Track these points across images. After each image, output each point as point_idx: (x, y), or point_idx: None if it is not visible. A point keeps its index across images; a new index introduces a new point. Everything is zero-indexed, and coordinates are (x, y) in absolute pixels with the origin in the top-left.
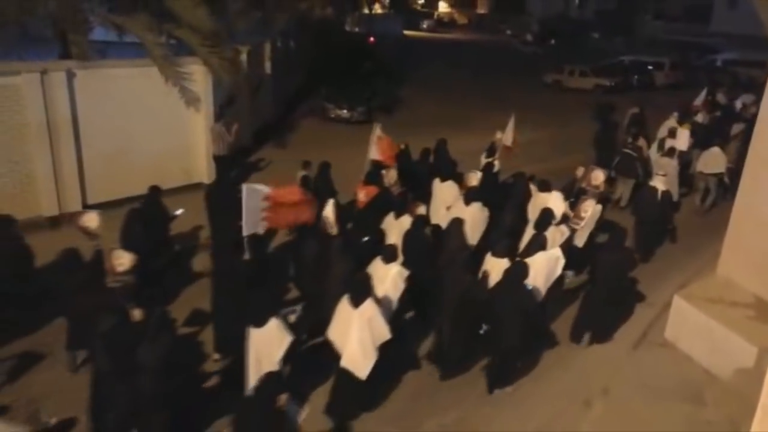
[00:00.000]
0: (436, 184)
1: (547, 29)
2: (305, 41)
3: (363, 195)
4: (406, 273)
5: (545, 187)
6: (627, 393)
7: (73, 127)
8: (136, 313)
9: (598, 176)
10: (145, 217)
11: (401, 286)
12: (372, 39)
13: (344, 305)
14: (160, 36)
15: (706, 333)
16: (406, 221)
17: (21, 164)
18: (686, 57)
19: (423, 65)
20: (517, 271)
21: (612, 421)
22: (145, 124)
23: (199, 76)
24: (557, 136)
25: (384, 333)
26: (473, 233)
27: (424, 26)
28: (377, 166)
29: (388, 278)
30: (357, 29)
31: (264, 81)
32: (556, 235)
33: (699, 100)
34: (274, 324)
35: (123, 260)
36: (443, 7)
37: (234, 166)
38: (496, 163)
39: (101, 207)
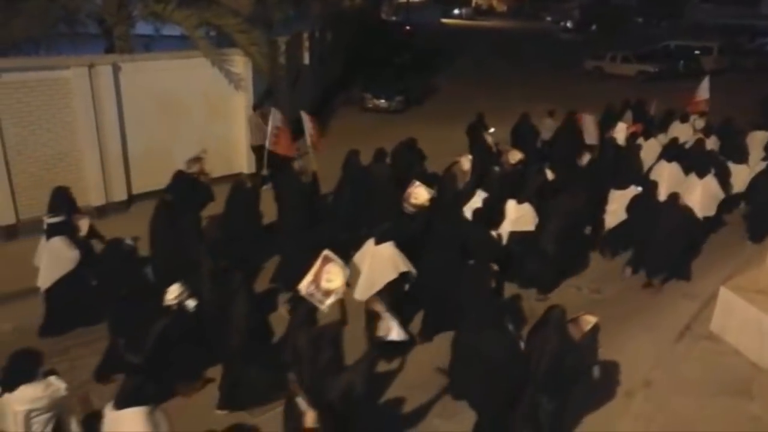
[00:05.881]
0: (642, 140)
1: (588, 15)
2: (342, 31)
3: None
4: None
5: None
6: (670, 385)
7: (118, 118)
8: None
9: None
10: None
11: None
12: (408, 28)
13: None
14: (201, 28)
15: (754, 325)
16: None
17: (70, 155)
18: (736, 41)
19: (461, 54)
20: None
21: (654, 414)
22: (187, 115)
23: (239, 66)
24: None
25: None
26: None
27: (462, 14)
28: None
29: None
30: (394, 18)
31: (302, 71)
32: None
33: None
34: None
35: (517, 156)
36: None
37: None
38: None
39: (145, 197)
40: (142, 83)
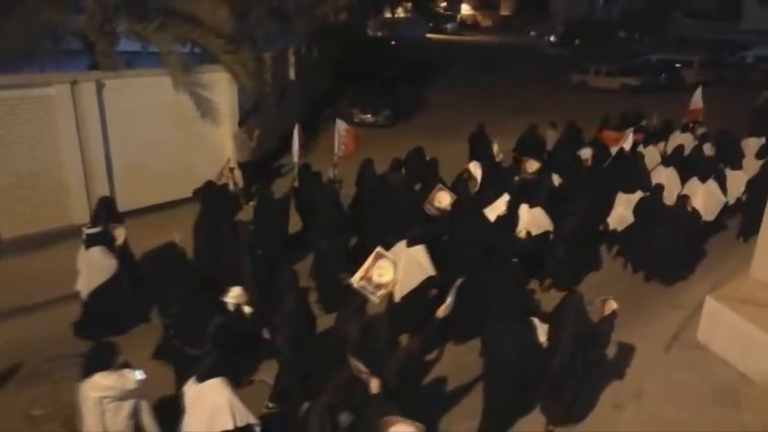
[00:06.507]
0: (642, 148)
1: (572, 30)
2: (328, 46)
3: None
4: None
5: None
6: (659, 396)
7: (102, 136)
8: None
9: None
10: None
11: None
12: (394, 43)
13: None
14: (183, 45)
15: (740, 335)
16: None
17: (53, 173)
18: (717, 54)
19: (447, 68)
20: None
21: (645, 423)
22: (172, 132)
23: (223, 83)
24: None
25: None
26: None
27: (448, 29)
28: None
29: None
30: (379, 33)
31: (288, 87)
32: None
33: None
34: None
35: (534, 165)
36: (466, 10)
37: (258, 171)
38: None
39: (130, 215)
40: (126, 100)
